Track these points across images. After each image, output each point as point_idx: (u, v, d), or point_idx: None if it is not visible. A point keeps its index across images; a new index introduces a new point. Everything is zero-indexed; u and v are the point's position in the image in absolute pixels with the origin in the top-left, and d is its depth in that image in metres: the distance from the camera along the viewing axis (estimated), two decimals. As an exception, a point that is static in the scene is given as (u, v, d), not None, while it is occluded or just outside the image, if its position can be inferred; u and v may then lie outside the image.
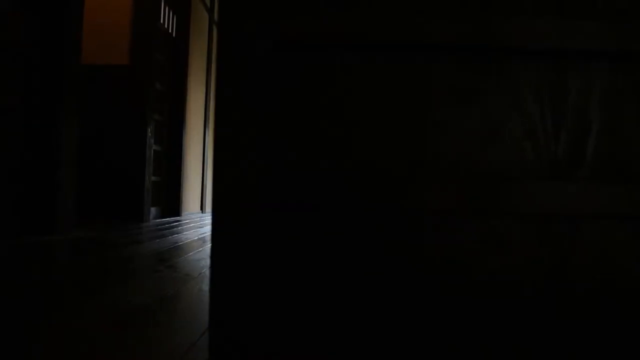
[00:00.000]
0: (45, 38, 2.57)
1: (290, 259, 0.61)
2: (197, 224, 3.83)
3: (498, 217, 0.62)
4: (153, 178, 4.06)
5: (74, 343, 0.83)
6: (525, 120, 0.63)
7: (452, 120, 0.63)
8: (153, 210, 4.12)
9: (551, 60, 0.63)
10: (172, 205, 4.62)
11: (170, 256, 1.95)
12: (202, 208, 5.56)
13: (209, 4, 5.45)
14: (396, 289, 0.60)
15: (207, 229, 3.39)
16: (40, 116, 2.55)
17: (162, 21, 4.15)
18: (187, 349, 0.81)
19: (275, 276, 0.61)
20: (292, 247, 0.60)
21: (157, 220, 4.05)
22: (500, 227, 0.62)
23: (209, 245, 2.37)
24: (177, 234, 2.95)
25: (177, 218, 4.43)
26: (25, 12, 2.48)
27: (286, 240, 0.60)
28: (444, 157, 0.62)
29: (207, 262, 1.82)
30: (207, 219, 4.64)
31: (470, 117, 0.63)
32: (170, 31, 4.46)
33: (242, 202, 0.56)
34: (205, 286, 1.36)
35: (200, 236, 2.85)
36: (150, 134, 3.83)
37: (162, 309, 1.09)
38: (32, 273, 1.50)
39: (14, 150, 2.44)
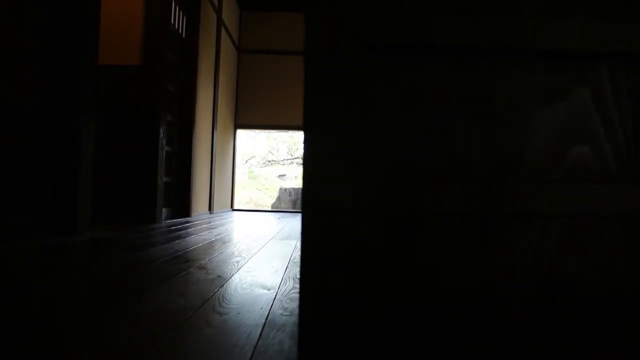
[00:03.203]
0: (64, 40, 2.56)
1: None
2: (210, 225, 3.82)
3: (581, 218, 0.62)
4: (164, 179, 4.05)
5: (138, 344, 0.83)
6: (606, 122, 0.63)
7: (533, 120, 0.63)
8: (164, 211, 4.11)
9: (633, 64, 0.63)
10: (182, 206, 4.61)
11: (195, 257, 1.94)
12: (210, 209, 5.55)
13: (217, 5, 5.44)
14: (476, 291, 0.60)
15: (221, 230, 3.38)
16: (59, 118, 2.55)
17: (172, 22, 4.15)
18: (250, 353, 0.81)
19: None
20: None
21: (169, 221, 4.04)
22: (584, 229, 0.62)
23: (230, 246, 2.37)
24: (193, 235, 2.94)
25: (188, 219, 4.42)
26: (46, 16, 2.48)
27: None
28: (526, 157, 0.62)
29: (235, 262, 1.81)
30: (217, 219, 4.64)
31: (551, 118, 0.63)
32: (180, 32, 4.46)
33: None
34: (241, 289, 1.36)
35: (217, 237, 2.85)
36: (162, 135, 3.83)
37: (210, 310, 1.08)
38: (65, 275, 1.50)
39: (36, 153, 2.43)
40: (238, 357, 0.79)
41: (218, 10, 5.50)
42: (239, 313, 1.08)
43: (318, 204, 0.60)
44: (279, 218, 5.46)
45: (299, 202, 9.82)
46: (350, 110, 0.61)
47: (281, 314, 1.08)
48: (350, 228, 0.58)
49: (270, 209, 9.65)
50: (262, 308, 1.13)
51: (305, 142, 0.59)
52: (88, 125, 2.67)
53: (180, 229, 3.30)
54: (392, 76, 0.62)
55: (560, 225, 0.62)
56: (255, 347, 0.84)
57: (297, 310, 1.11)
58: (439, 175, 0.63)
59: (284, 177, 14.07)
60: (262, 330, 0.94)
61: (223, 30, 5.76)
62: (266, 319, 1.03)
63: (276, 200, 10.19)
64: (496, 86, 0.62)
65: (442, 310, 0.61)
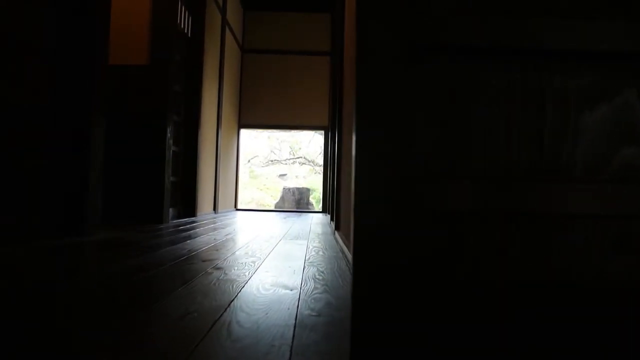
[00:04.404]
0: (74, 40, 2.56)
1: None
2: (216, 225, 3.82)
3: (631, 219, 0.62)
4: (171, 179, 4.05)
5: (172, 346, 0.83)
6: (654, 123, 0.63)
7: (581, 121, 0.63)
8: (170, 210, 4.11)
9: (681, 63, 0.63)
10: (188, 205, 4.61)
11: (209, 258, 1.94)
12: (215, 208, 5.55)
13: (221, 5, 5.44)
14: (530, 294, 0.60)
15: (229, 230, 3.38)
16: (70, 118, 2.55)
17: (179, 22, 4.14)
18: (289, 354, 0.81)
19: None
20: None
21: (175, 221, 4.04)
22: (631, 229, 0.62)
23: (242, 246, 2.37)
24: (203, 235, 2.94)
25: (194, 219, 4.42)
26: (55, 16, 2.48)
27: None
28: (576, 159, 0.62)
29: (250, 262, 1.81)
30: (223, 219, 4.64)
31: (598, 119, 0.63)
32: (186, 31, 4.46)
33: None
34: (264, 289, 1.36)
35: (227, 237, 2.85)
36: (169, 135, 3.82)
37: (238, 310, 1.08)
38: (82, 278, 1.50)
39: (46, 154, 2.43)
40: (277, 357, 0.79)
41: (223, 10, 5.50)
42: (267, 313, 1.08)
43: (365, 201, 0.60)
44: (284, 218, 5.46)
45: (302, 201, 9.81)
46: (399, 109, 0.61)
47: (309, 315, 1.08)
48: (402, 227, 0.58)
49: (273, 208, 9.65)
50: (288, 308, 1.13)
51: (356, 140, 0.59)
52: (98, 126, 2.67)
53: (189, 229, 3.30)
54: (439, 77, 0.62)
55: (609, 226, 0.62)
56: (291, 348, 0.84)
57: (324, 311, 1.11)
58: (484, 175, 0.63)
59: (285, 177, 14.07)
60: (294, 331, 0.94)
61: (227, 30, 5.75)
62: (295, 319, 1.03)
63: (279, 200, 10.19)
64: (545, 88, 0.62)
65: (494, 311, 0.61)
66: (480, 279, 0.61)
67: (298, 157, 14.06)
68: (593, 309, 0.62)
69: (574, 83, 0.63)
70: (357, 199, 0.57)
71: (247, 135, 12.08)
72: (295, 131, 11.14)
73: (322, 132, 7.15)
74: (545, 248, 0.62)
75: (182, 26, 4.35)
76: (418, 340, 0.58)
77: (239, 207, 7.30)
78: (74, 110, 2.57)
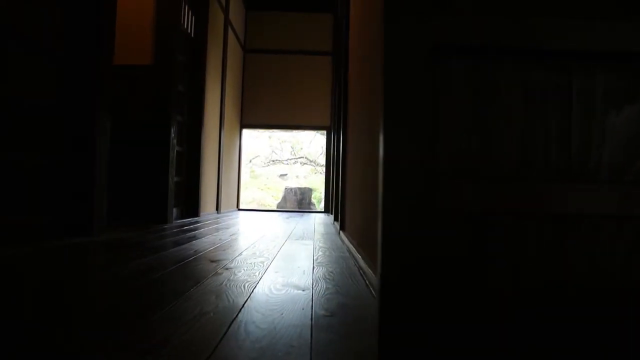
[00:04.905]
0: (80, 40, 2.57)
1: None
2: (220, 225, 3.82)
3: (656, 221, 0.62)
4: (175, 179, 4.05)
5: (193, 347, 0.83)
6: (678, 125, 0.63)
7: (607, 122, 0.63)
8: (174, 210, 4.11)
9: None
10: (192, 206, 4.61)
11: (218, 258, 1.95)
12: (217, 208, 5.55)
13: (224, 4, 5.44)
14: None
15: (234, 230, 3.38)
16: (75, 118, 2.55)
17: (182, 22, 4.15)
18: (309, 354, 0.81)
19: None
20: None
21: (179, 221, 4.04)
22: (659, 232, 0.62)
23: (248, 246, 2.37)
24: (208, 235, 2.94)
25: (197, 219, 4.43)
26: (62, 16, 2.48)
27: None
28: (602, 160, 0.63)
29: (259, 262, 1.82)
30: (226, 219, 4.64)
31: (623, 121, 0.63)
32: (189, 31, 4.46)
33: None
34: (276, 290, 1.36)
35: (232, 237, 2.85)
36: (173, 135, 3.83)
37: (253, 311, 1.08)
38: (82, 278, 1.50)
39: (52, 154, 2.43)
40: (297, 357, 0.79)
41: (225, 10, 5.50)
42: (282, 314, 1.08)
43: (395, 201, 0.60)
44: (287, 218, 5.47)
45: (304, 201, 9.81)
46: (425, 108, 0.61)
47: (324, 315, 1.08)
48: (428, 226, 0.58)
49: (275, 208, 9.65)
50: (303, 309, 1.13)
51: (384, 141, 0.59)
52: (103, 126, 2.67)
53: (193, 229, 3.30)
54: (463, 77, 0.63)
55: (630, 227, 0.62)
56: (311, 348, 0.84)
57: (338, 311, 1.11)
58: (507, 176, 0.63)
59: (285, 177, 14.08)
60: (311, 331, 0.95)
61: (230, 30, 5.76)
62: (311, 319, 1.04)
63: (281, 200, 10.19)
64: (572, 89, 0.63)
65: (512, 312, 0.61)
66: (509, 281, 0.62)
67: (299, 157, 14.07)
68: (612, 309, 0.63)
69: (601, 84, 0.63)
70: (385, 200, 0.58)
71: (248, 135, 12.08)
72: (297, 131, 11.15)
73: (324, 132, 7.15)
74: (566, 249, 0.62)
75: (186, 26, 4.35)
76: (448, 340, 0.59)
77: (241, 207, 7.30)
78: (79, 110, 2.57)
